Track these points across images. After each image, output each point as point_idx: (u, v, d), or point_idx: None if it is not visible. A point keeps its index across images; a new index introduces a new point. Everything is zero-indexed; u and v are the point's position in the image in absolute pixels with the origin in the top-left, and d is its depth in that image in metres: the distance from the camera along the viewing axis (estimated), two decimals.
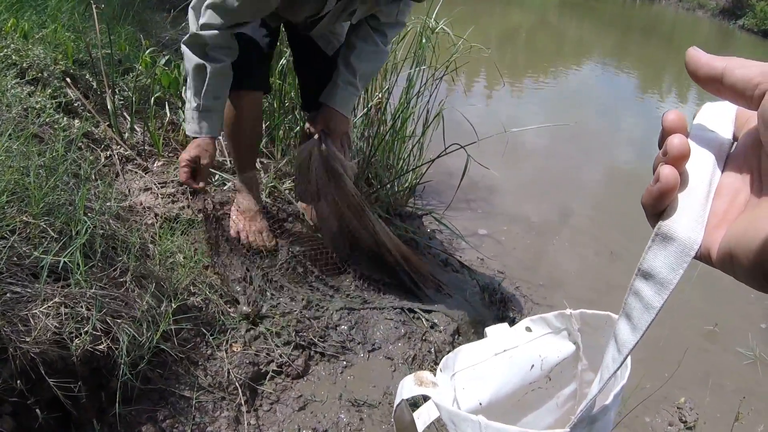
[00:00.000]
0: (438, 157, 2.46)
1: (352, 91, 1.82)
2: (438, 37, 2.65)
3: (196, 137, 1.68)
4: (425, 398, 0.93)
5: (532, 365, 1.06)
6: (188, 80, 1.67)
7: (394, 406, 0.95)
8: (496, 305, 2.28)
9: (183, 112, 1.77)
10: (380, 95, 2.69)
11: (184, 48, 1.64)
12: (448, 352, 1.79)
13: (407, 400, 0.94)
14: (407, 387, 0.93)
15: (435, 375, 0.98)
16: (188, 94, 1.69)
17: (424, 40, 2.62)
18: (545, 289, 2.68)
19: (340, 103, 1.81)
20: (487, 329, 1.09)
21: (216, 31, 1.59)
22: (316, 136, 1.85)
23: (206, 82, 1.63)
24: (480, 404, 1.01)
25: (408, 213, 2.73)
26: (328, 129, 1.84)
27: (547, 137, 4.53)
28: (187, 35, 1.63)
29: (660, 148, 0.37)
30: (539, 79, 6.67)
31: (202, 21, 1.58)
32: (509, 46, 8.72)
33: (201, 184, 1.70)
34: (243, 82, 1.76)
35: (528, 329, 1.09)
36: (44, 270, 1.16)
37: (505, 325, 1.09)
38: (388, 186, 2.66)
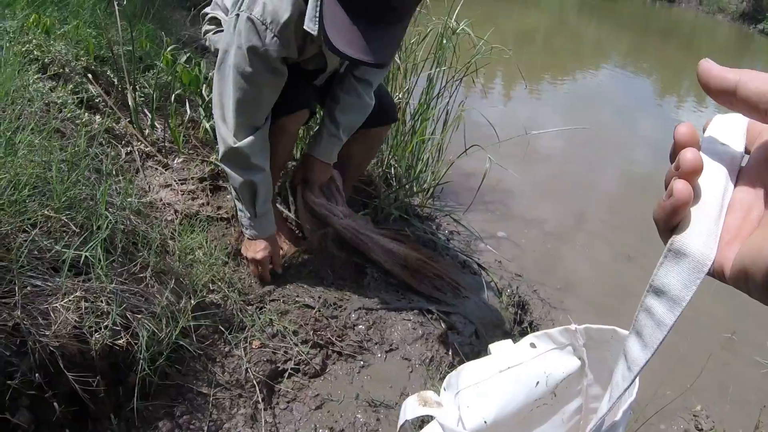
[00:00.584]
0: (458, 157, 2.45)
1: (335, 142, 1.90)
2: (458, 38, 2.64)
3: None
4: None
5: (537, 382, 1.05)
6: (236, 193, 1.73)
7: (398, 427, 0.94)
8: (514, 308, 2.26)
9: (237, 217, 1.86)
10: (400, 96, 2.68)
11: (224, 166, 1.69)
12: (466, 354, 1.79)
13: (410, 421, 0.93)
14: (410, 408, 0.92)
15: (439, 394, 0.97)
16: (239, 205, 1.76)
17: (444, 41, 2.61)
18: (562, 292, 2.66)
19: (323, 153, 1.90)
20: (491, 346, 1.08)
21: (252, 137, 1.62)
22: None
23: (257, 193, 1.70)
24: (485, 422, 1.00)
25: (427, 214, 2.72)
26: (308, 178, 1.93)
27: (563, 140, 4.50)
28: (224, 150, 1.66)
29: (672, 161, 0.37)
30: (557, 81, 6.63)
31: (233, 126, 1.60)
32: (527, 47, 8.68)
33: (280, 270, 1.88)
34: (281, 108, 1.76)
35: (532, 345, 1.07)
36: (65, 264, 1.16)
37: (509, 341, 1.08)
38: (407, 187, 2.65)
